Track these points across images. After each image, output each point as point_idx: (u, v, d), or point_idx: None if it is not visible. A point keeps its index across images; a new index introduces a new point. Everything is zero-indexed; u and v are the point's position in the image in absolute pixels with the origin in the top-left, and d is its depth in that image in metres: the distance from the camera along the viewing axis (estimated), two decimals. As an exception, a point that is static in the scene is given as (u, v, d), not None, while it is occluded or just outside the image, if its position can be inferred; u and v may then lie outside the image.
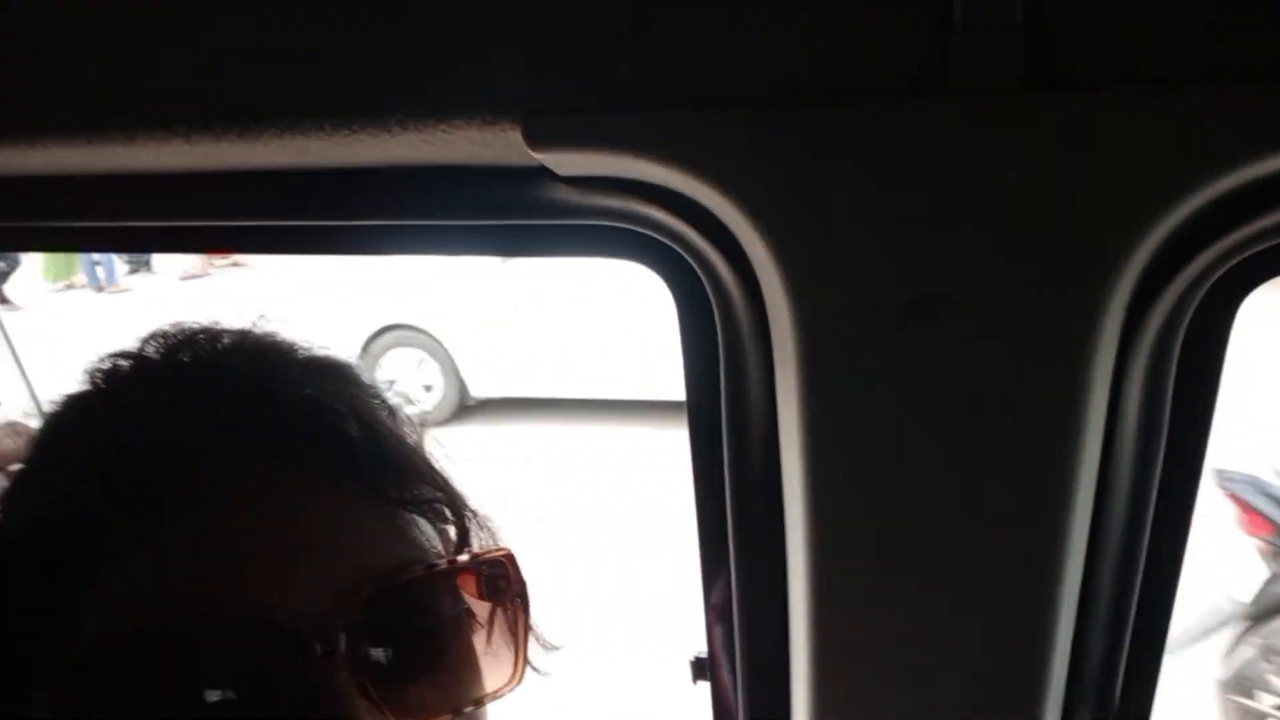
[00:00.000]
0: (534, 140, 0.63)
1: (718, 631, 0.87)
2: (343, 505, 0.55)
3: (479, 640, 0.58)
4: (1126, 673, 0.74)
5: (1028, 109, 0.53)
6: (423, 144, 0.66)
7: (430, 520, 0.59)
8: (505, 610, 0.59)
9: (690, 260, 0.70)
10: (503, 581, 0.59)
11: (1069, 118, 0.53)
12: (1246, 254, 0.56)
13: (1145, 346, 0.60)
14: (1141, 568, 0.70)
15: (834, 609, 0.71)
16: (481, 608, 0.58)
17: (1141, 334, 0.59)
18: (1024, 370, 0.59)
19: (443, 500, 0.60)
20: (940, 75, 0.54)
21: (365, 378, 0.63)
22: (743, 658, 0.85)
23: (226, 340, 0.59)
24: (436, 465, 0.61)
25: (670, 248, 0.70)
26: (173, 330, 0.60)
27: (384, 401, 0.62)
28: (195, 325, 0.61)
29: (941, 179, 0.56)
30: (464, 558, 0.59)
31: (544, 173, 0.68)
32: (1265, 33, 0.49)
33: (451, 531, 0.62)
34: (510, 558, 0.59)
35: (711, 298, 0.71)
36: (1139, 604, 0.71)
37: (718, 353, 0.74)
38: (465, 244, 0.77)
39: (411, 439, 0.62)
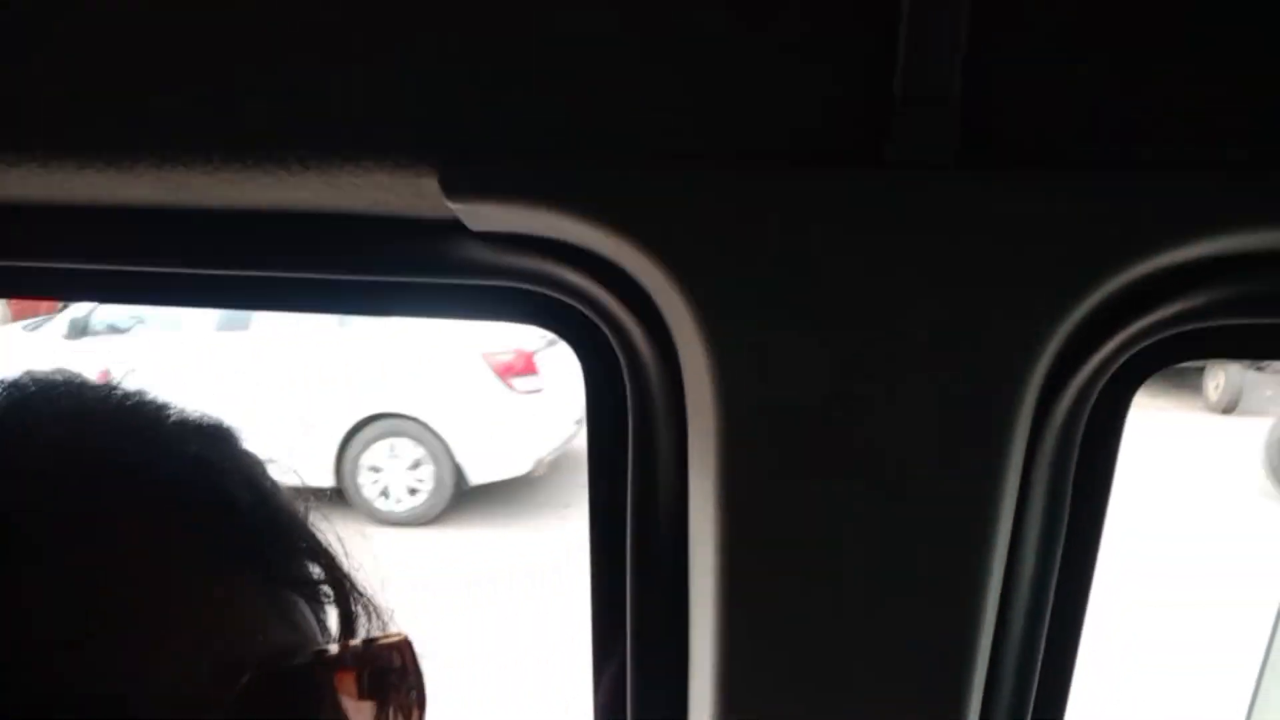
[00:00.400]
0: (451, 189, 0.59)
1: None
2: (223, 578, 0.48)
3: None
4: None
5: (960, 186, 0.54)
6: (324, 187, 0.61)
7: (311, 602, 0.53)
8: (401, 702, 0.52)
9: (603, 327, 0.67)
10: (397, 672, 0.53)
11: (998, 198, 0.54)
12: (1144, 344, 0.59)
13: (1054, 429, 0.61)
14: (1042, 652, 0.70)
15: (743, 694, 0.67)
16: (375, 699, 0.51)
17: (1051, 418, 0.61)
18: (944, 451, 0.59)
19: (329, 580, 0.53)
20: (877, 148, 0.54)
21: (247, 444, 0.56)
22: None
23: (89, 393, 0.52)
24: (324, 542, 0.55)
25: (582, 313, 0.67)
26: (21, 379, 0.52)
27: (265, 471, 0.56)
28: (48, 375, 0.53)
29: (873, 252, 0.56)
30: (357, 643, 0.52)
31: (454, 227, 0.64)
32: (1178, 128, 0.52)
33: (333, 616, 0.55)
34: (407, 644, 0.53)
35: (624, 366, 0.68)
36: (1040, 683, 0.71)
37: (626, 425, 0.71)
38: (363, 302, 0.71)
39: (298, 512, 0.55)
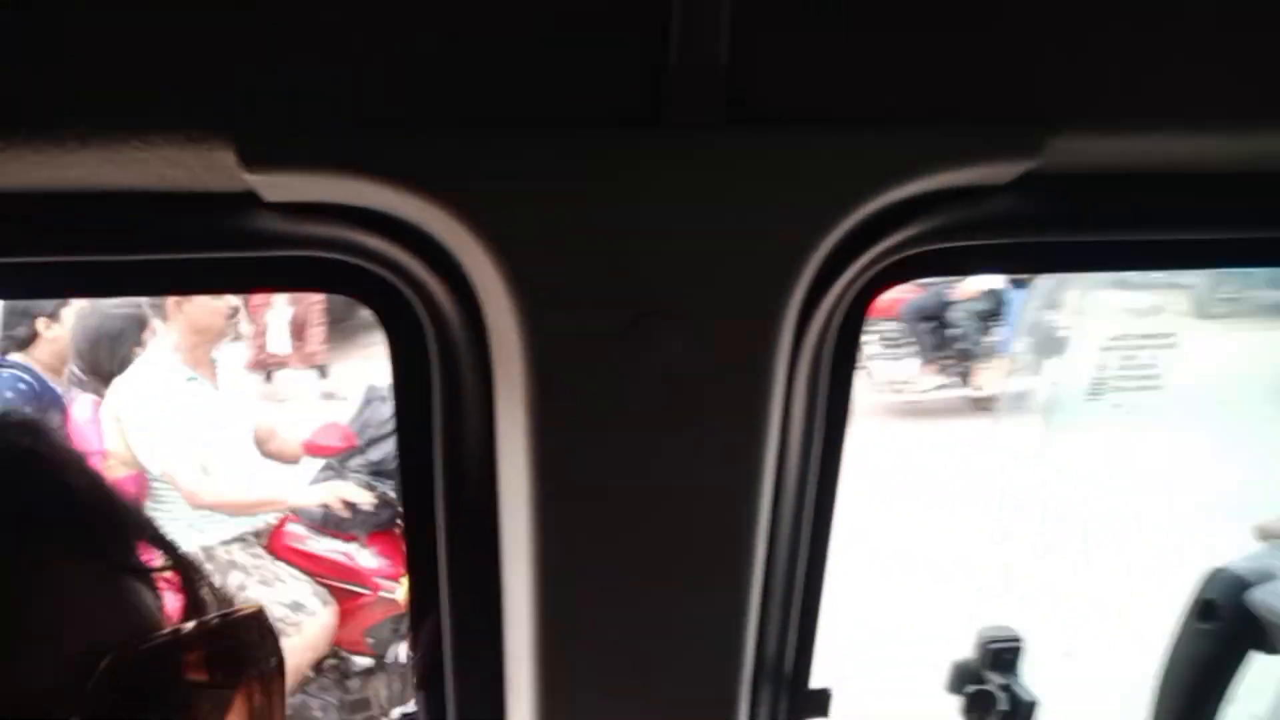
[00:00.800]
0: (251, 161, 0.58)
1: (427, 676, 0.84)
2: (67, 568, 0.47)
3: (235, 704, 0.52)
4: (798, 648, 0.87)
5: (729, 142, 0.62)
6: (105, 164, 0.58)
7: (154, 588, 0.53)
8: (260, 670, 0.54)
9: (405, 288, 0.69)
10: (253, 644, 0.54)
11: (760, 151, 0.63)
12: (879, 267, 0.72)
13: (810, 344, 0.73)
14: (806, 550, 0.83)
15: (560, 624, 0.74)
16: (232, 672, 0.52)
17: (807, 335, 0.72)
18: (725, 367, 0.68)
19: (171, 566, 0.54)
20: (656, 111, 0.61)
21: (66, 438, 0.54)
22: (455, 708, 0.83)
23: None
24: (162, 530, 0.55)
25: (383, 277, 0.69)
26: None
27: (91, 463, 0.54)
28: None
29: (659, 202, 0.63)
30: (209, 619, 0.52)
31: (248, 199, 0.63)
32: (898, 89, 0.63)
33: (175, 598, 0.55)
34: (261, 614, 0.54)
35: (426, 325, 0.71)
36: (804, 583, 0.84)
37: (431, 382, 0.73)
38: (155, 281, 0.67)
39: (132, 502, 0.54)
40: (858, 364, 0.78)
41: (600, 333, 0.66)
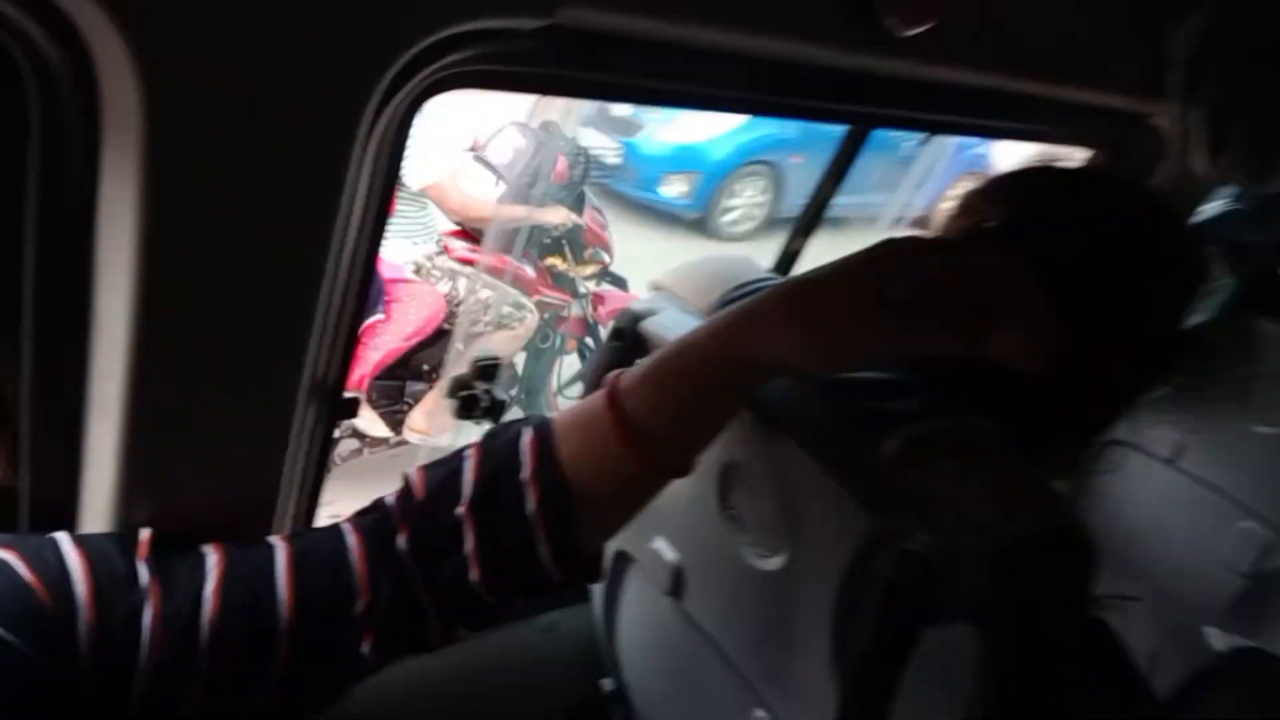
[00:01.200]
0: None
1: None
2: None
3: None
4: None
5: None
6: None
7: None
8: None
9: (8, 38, 0.72)
10: None
11: None
12: (437, 78, 0.92)
13: (377, 135, 0.92)
14: (353, 293, 1.04)
15: (149, 371, 0.86)
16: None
17: (376, 128, 0.91)
18: (311, 149, 0.84)
19: None
20: None
21: None
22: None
23: None
24: None
25: None
26: None
27: None
28: None
29: (270, 8, 0.75)
30: None
31: None
32: None
33: None
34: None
35: (32, 84, 0.75)
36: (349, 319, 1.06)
37: (28, 144, 0.77)
38: None
39: None
40: (406, 151, 0.99)
41: (212, 104, 0.77)
